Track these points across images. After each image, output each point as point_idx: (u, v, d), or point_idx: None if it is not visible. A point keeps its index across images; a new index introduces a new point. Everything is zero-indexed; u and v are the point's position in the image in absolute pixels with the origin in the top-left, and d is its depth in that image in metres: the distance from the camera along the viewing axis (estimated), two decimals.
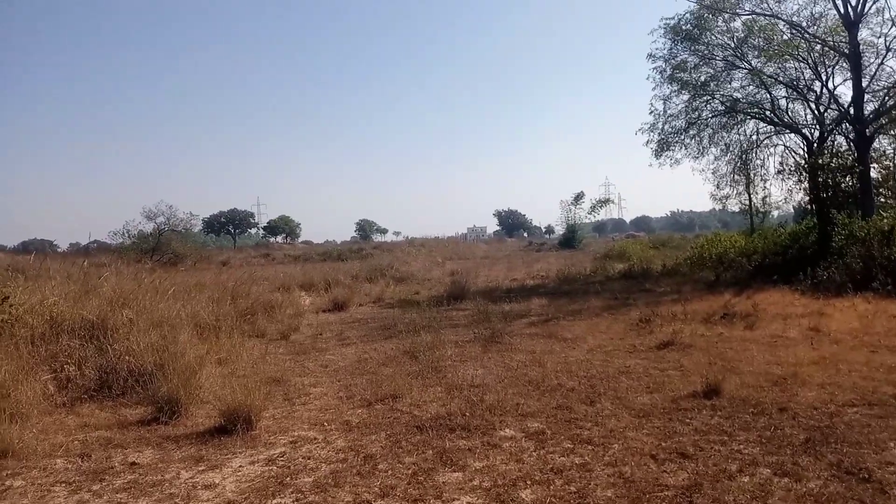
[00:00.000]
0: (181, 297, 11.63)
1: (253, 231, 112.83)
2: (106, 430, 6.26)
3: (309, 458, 5.23)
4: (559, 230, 72.46)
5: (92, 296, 9.97)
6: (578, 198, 61.75)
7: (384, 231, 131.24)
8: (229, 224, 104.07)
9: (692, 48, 22.57)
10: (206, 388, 7.08)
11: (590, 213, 63.54)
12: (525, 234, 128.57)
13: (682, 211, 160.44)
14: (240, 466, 5.12)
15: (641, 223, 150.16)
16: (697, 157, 24.46)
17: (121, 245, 40.41)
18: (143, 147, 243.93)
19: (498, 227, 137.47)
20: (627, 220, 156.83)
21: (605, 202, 67.39)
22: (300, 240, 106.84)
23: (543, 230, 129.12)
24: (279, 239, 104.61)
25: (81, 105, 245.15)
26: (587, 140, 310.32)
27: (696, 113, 23.57)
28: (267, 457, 5.32)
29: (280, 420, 6.40)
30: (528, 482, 4.49)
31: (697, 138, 24.00)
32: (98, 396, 7.34)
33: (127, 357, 7.74)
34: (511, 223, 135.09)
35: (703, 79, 22.98)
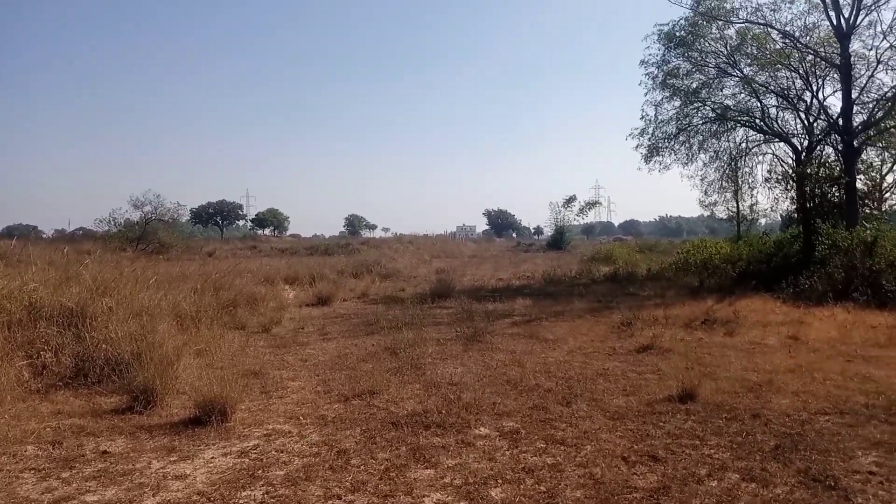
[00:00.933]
0: (163, 287, 11.58)
1: (241, 223, 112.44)
2: (79, 417, 6.23)
3: (282, 452, 5.24)
4: (548, 231, 72.72)
5: (72, 283, 9.90)
6: (570, 201, 61.95)
7: (373, 227, 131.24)
8: (217, 215, 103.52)
9: (685, 54, 22.72)
10: (182, 379, 7.06)
11: (578, 216, 63.80)
12: (514, 235, 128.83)
13: (670, 216, 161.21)
14: (212, 458, 5.12)
15: (630, 227, 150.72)
16: (686, 164, 24.66)
17: (106, 233, 40.21)
18: (132, 135, 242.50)
19: (487, 227, 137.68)
20: (616, 224, 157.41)
21: (593, 205, 67.61)
22: (288, 233, 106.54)
23: (532, 231, 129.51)
24: (267, 232, 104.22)
25: (71, 91, 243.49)
26: (579, 142, 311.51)
27: (687, 119, 23.73)
28: (240, 449, 5.32)
29: (256, 413, 6.40)
30: (499, 481, 4.52)
31: (687, 144, 24.18)
32: (73, 384, 7.31)
33: (104, 345, 7.71)
34: (500, 223, 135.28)
35: (694, 85, 23.16)
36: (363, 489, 4.42)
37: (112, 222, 41.76)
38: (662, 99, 23.76)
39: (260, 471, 4.81)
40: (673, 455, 5.00)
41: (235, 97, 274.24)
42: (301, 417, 6.23)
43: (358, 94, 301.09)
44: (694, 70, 23.01)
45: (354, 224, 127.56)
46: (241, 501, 4.26)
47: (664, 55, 23.09)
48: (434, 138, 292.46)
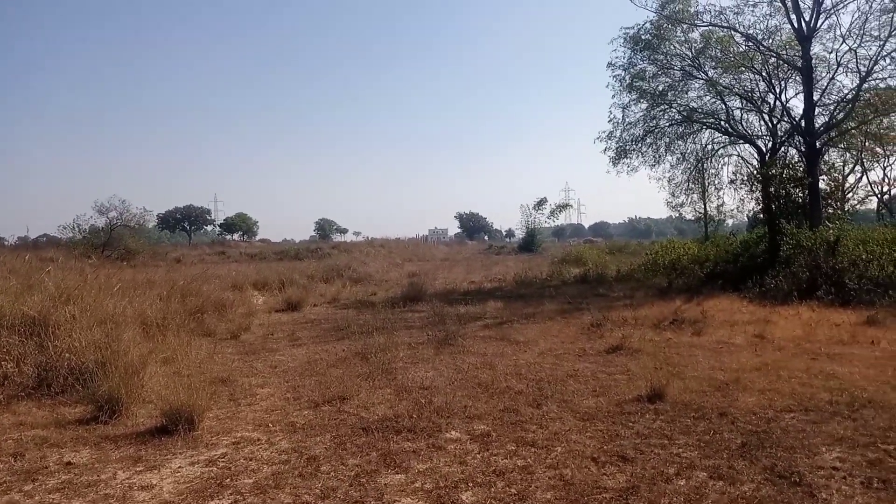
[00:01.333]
0: (129, 294, 11.40)
1: (209, 228, 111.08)
2: (42, 429, 6.10)
3: (251, 460, 5.19)
4: (519, 234, 73.14)
5: (34, 291, 9.70)
6: (540, 203, 62.41)
7: (344, 231, 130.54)
8: (185, 220, 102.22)
9: (651, 57, 23.04)
10: (148, 388, 6.95)
11: (549, 218, 64.29)
12: (486, 238, 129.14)
13: (639, 217, 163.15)
14: (179, 467, 5.05)
15: (600, 229, 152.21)
16: (654, 165, 25.01)
17: (70, 239, 39.45)
18: (97, 139, 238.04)
19: (459, 230, 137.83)
20: (586, 226, 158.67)
21: (563, 207, 68.15)
22: (257, 238, 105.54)
23: (504, 234, 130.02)
24: (236, 237, 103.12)
25: (32, 92, 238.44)
26: (549, 145, 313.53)
27: (654, 122, 24.08)
28: (207, 458, 5.26)
29: (224, 420, 6.33)
30: (470, 484, 4.53)
31: (654, 147, 24.52)
32: (36, 394, 7.16)
33: (68, 355, 7.56)
34: (472, 226, 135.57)
35: (661, 88, 23.50)
36: (333, 496, 4.39)
37: (76, 229, 40.99)
38: (630, 101, 24.11)
39: (228, 479, 4.75)
40: (642, 455, 5.06)
41: (203, 100, 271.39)
42: (270, 424, 6.17)
43: (327, 98, 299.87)
44: (660, 73, 23.36)
45: (325, 228, 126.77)
46: None
47: (630, 58, 23.43)
48: (406, 141, 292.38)
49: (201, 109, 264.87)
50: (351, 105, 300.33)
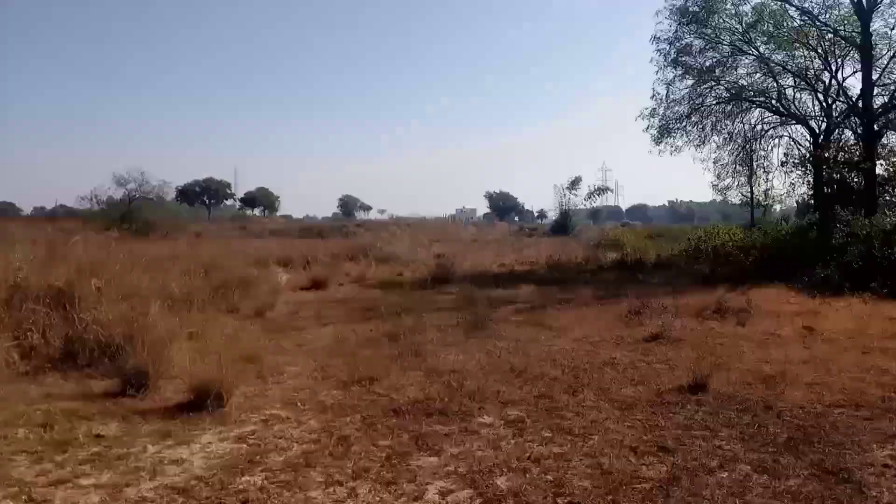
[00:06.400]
0: (152, 269, 11.66)
1: (229, 202, 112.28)
2: (70, 400, 6.33)
3: (281, 438, 5.35)
4: (552, 215, 72.69)
5: (58, 263, 9.98)
6: (574, 183, 61.73)
7: (368, 208, 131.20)
8: (204, 194, 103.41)
9: (698, 31, 22.68)
10: (175, 363, 7.14)
11: (586, 200, 63.65)
12: (516, 219, 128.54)
13: (681, 201, 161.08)
14: (209, 443, 5.23)
15: (638, 212, 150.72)
16: (699, 146, 24.74)
17: (89, 211, 40.16)
18: (116, 109, 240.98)
19: (488, 210, 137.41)
20: (624, 208, 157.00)
21: (603, 190, 67.49)
22: (279, 213, 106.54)
23: (536, 215, 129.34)
24: (256, 212, 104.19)
25: (52, 63, 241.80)
26: (585, 123, 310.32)
27: (700, 99, 23.78)
28: (237, 434, 5.43)
29: (252, 398, 6.51)
30: (505, 469, 4.63)
31: (700, 126, 24.25)
32: (63, 367, 7.42)
33: (95, 327, 7.79)
34: (502, 206, 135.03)
35: (708, 64, 23.17)
36: (365, 476, 4.53)
37: (94, 200, 41.71)
38: (674, 77, 23.82)
39: (258, 456, 4.92)
40: (683, 446, 5.11)
41: (223, 70, 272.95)
42: (299, 403, 6.33)
43: (353, 70, 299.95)
44: (707, 48, 23.01)
45: (349, 205, 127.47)
46: (240, 487, 4.36)
47: (676, 31, 23.08)
48: (434, 117, 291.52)
49: (222, 79, 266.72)
50: (378, 79, 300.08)
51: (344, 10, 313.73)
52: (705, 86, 23.52)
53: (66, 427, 5.59)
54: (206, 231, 46.04)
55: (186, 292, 10.93)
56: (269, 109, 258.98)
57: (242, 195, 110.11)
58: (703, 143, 24.63)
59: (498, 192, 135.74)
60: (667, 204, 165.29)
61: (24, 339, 7.63)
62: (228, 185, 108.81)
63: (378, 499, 4.19)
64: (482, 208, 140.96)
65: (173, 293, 10.54)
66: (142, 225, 36.43)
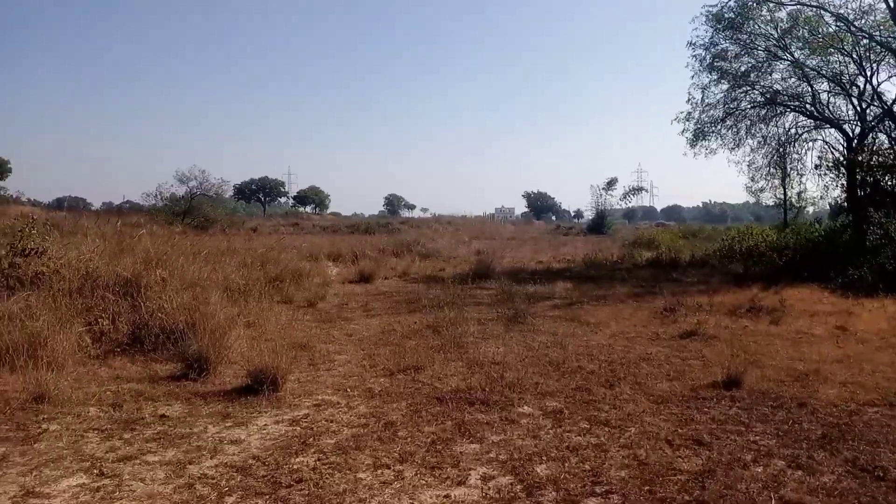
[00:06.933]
0: (212, 261, 11.89)
1: (283, 200, 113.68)
2: (137, 382, 6.49)
3: (331, 422, 5.40)
4: (588, 215, 72.01)
5: (126, 254, 10.24)
6: (611, 183, 61.06)
7: (412, 207, 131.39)
8: (260, 192, 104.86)
9: (734, 37, 22.17)
10: (234, 349, 7.28)
11: (622, 200, 62.87)
12: (553, 218, 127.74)
13: (714, 202, 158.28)
14: (265, 425, 5.31)
15: (672, 212, 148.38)
16: (734, 149, 24.21)
17: (153, 207, 41.05)
18: (178, 110, 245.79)
19: (526, 209, 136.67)
20: (658, 209, 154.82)
21: (638, 190, 66.55)
22: (328, 211, 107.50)
23: (572, 214, 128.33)
24: (308, 209, 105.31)
25: (118, 65, 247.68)
26: (620, 125, 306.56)
27: (735, 103, 23.27)
28: (291, 417, 5.50)
29: (305, 384, 6.58)
30: (544, 458, 4.59)
31: (734, 129, 23.73)
32: (130, 351, 7.61)
33: (159, 315, 7.97)
34: (539, 205, 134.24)
35: (743, 69, 22.63)
36: (411, 460, 4.54)
37: (158, 196, 42.60)
38: (709, 82, 23.30)
39: (311, 439, 4.97)
40: (718, 440, 5.01)
41: (279, 74, 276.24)
42: (348, 389, 6.39)
43: (397, 74, 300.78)
44: (742, 53, 22.46)
45: (394, 203, 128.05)
46: (294, 466, 4.41)
47: (712, 37, 22.57)
48: (474, 118, 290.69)
49: (278, 83, 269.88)
50: (421, 82, 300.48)
51: (390, 13, 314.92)
52: (740, 90, 22.98)
53: (133, 407, 5.73)
54: (262, 227, 46.77)
55: (244, 283, 11.12)
56: (322, 112, 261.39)
57: (295, 193, 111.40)
58: (738, 146, 24.10)
59: (535, 191, 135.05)
60: (701, 205, 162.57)
61: (95, 325, 7.83)
62: (282, 184, 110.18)
63: (423, 482, 4.20)
64: (520, 207, 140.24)
65: (232, 284, 10.73)
66: (202, 220, 37.12)
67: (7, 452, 4.63)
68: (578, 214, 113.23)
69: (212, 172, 48.76)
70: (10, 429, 5.13)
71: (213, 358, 6.77)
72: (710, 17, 22.20)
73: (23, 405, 5.65)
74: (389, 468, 4.41)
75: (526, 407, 5.84)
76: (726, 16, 21.83)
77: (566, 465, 4.47)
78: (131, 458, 4.56)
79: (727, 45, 22.56)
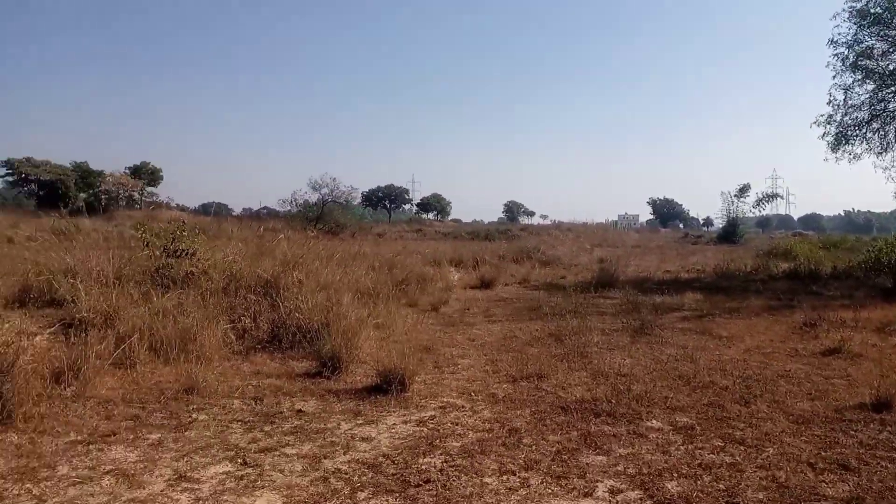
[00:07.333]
0: (343, 264, 12.39)
1: (406, 206, 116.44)
2: (276, 378, 6.87)
3: (457, 425, 5.48)
4: (718, 223, 68.58)
5: (266, 257, 10.88)
6: (743, 190, 57.78)
7: (531, 213, 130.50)
8: (386, 199, 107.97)
9: (880, 33, 20.46)
10: (364, 350, 7.56)
11: (755, 208, 59.44)
12: (681, 226, 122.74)
13: (858, 210, 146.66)
14: (393, 424, 5.47)
15: (811, 221, 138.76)
16: (881, 153, 22.26)
17: (288, 212, 43.39)
18: (310, 119, 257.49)
19: (651, 216, 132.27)
20: (795, 217, 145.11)
21: (772, 197, 62.78)
22: (450, 217, 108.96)
23: (701, 222, 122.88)
24: (430, 216, 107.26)
25: (257, 89, 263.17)
26: (753, 128, 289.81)
27: (882, 104, 21.44)
28: (418, 418, 5.63)
29: (430, 386, 6.71)
30: (675, 474, 4.43)
31: (881, 132, 21.86)
32: (269, 348, 8.07)
33: (296, 314, 8.40)
34: (666, 212, 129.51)
35: (891, 67, 20.83)
36: (536, 468, 4.52)
37: (294, 203, 44.97)
38: (853, 82, 21.58)
39: (437, 440, 5.06)
40: (867, 466, 4.64)
41: (402, 88, 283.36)
42: (472, 394, 6.45)
43: (516, 84, 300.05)
44: (891, 50, 20.68)
45: (513, 210, 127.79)
46: (422, 467, 4.52)
47: (856, 34, 20.91)
48: (596, 123, 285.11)
49: (403, 94, 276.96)
50: (539, 90, 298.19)
51: (519, 26, 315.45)
52: (888, 90, 21.17)
53: (272, 401, 6.07)
54: (387, 232, 48.18)
55: (372, 286, 11.50)
56: (446, 120, 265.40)
57: (419, 200, 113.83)
58: (886, 150, 22.14)
59: (661, 198, 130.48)
60: (842, 213, 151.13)
61: (238, 323, 8.38)
62: (406, 191, 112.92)
63: (549, 491, 4.17)
64: (645, 214, 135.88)
65: (362, 287, 11.13)
66: (332, 225, 38.80)
67: (162, 438, 5.05)
68: (708, 222, 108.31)
69: (342, 180, 50.94)
70: (164, 416, 5.58)
71: (345, 357, 7.06)
72: (854, 12, 20.64)
73: (175, 395, 6.13)
74: (515, 474, 4.41)
75: (655, 421, 5.66)
76: (872, 11, 20.22)
77: (699, 482, 4.30)
78: (271, 450, 4.83)
79: (873, 41, 20.86)
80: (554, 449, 4.91)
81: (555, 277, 19.98)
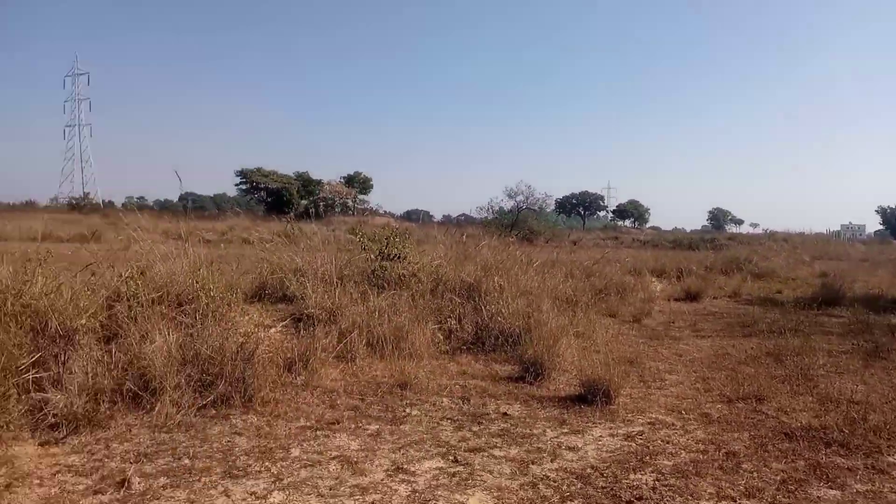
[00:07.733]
0: (541, 271, 12.39)
1: (601, 214, 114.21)
2: (481, 379, 7.04)
3: (667, 443, 5.23)
4: None
5: (468, 261, 11.18)
6: None
7: (739, 221, 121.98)
8: (580, 206, 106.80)
9: None
10: (565, 358, 7.48)
11: None
12: None
13: None
14: (600, 436, 5.34)
15: None
16: None
17: (484, 219, 44.45)
18: (512, 134, 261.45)
19: (881, 226, 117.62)
20: None
21: None
22: (648, 225, 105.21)
23: None
24: (627, 223, 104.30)
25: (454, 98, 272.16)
26: None
27: None
28: (625, 433, 5.45)
29: (637, 400, 6.48)
30: None
31: None
32: (473, 349, 8.29)
33: (498, 318, 8.55)
34: None
35: None
36: (759, 496, 4.19)
37: (490, 210, 45.99)
38: None
39: (647, 457, 4.87)
40: None
41: (596, 95, 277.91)
42: (683, 412, 6.12)
43: (720, 88, 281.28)
44: None
45: (719, 217, 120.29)
46: (633, 483, 4.37)
47: None
48: (813, 122, 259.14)
49: (593, 100, 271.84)
50: (743, 93, 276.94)
51: (722, 29, 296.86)
52: None
53: (479, 402, 6.22)
54: (582, 240, 47.52)
55: (571, 294, 11.38)
56: (644, 126, 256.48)
57: (615, 207, 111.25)
58: None
59: (894, 206, 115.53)
60: None
61: (445, 324, 8.69)
62: (601, 198, 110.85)
63: None
64: (872, 224, 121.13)
65: (560, 294, 11.06)
66: (527, 232, 39.04)
67: (380, 430, 5.36)
68: None
69: (537, 187, 51.19)
70: (380, 409, 5.92)
71: (547, 364, 7.04)
72: None
73: (390, 389, 6.49)
74: (735, 501, 4.12)
75: None
76: None
77: None
78: (480, 450, 4.94)
79: None
80: (778, 478, 4.52)
81: (769, 291, 18.45)
